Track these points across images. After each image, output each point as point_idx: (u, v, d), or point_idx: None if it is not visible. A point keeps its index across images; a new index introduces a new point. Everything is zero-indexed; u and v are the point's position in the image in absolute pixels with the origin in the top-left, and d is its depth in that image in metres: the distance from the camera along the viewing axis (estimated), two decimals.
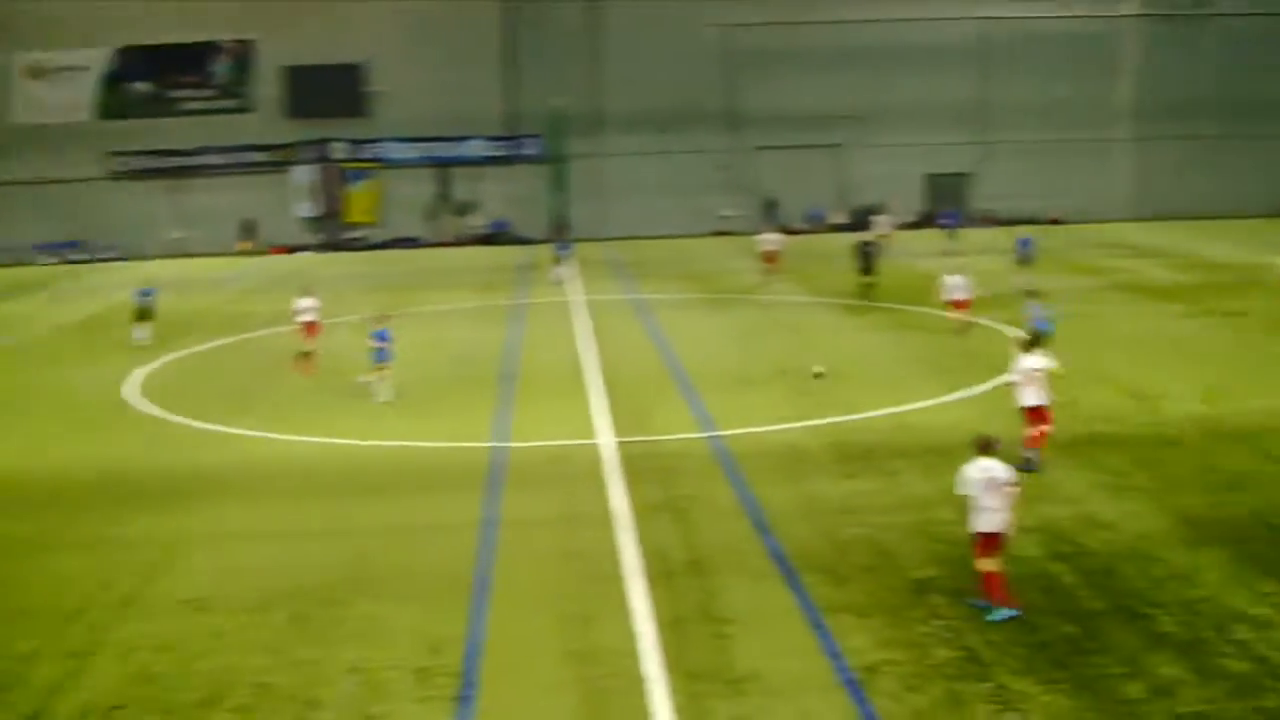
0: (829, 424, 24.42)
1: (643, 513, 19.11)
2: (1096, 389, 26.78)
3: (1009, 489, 15.04)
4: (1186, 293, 41.04)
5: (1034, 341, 22.00)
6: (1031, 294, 29.84)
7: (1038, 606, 15.18)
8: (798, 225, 66.57)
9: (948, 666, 13.56)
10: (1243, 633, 14.26)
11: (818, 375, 27.65)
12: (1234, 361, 29.47)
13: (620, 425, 24.64)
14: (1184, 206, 67.93)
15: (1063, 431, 23.28)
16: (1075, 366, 28.88)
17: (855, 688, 13.08)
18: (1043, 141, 66.93)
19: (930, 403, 26.00)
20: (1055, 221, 65.85)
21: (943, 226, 58.39)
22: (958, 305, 32.93)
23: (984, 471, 15.08)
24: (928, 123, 66.51)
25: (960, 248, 52.93)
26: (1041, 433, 21.12)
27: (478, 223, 65.80)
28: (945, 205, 67.30)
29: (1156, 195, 67.87)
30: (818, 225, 66.88)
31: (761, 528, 18.33)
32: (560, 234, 52.55)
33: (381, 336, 27.29)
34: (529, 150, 65.31)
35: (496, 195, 65.91)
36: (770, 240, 45.11)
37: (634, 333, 36.08)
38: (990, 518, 14.94)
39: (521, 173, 65.64)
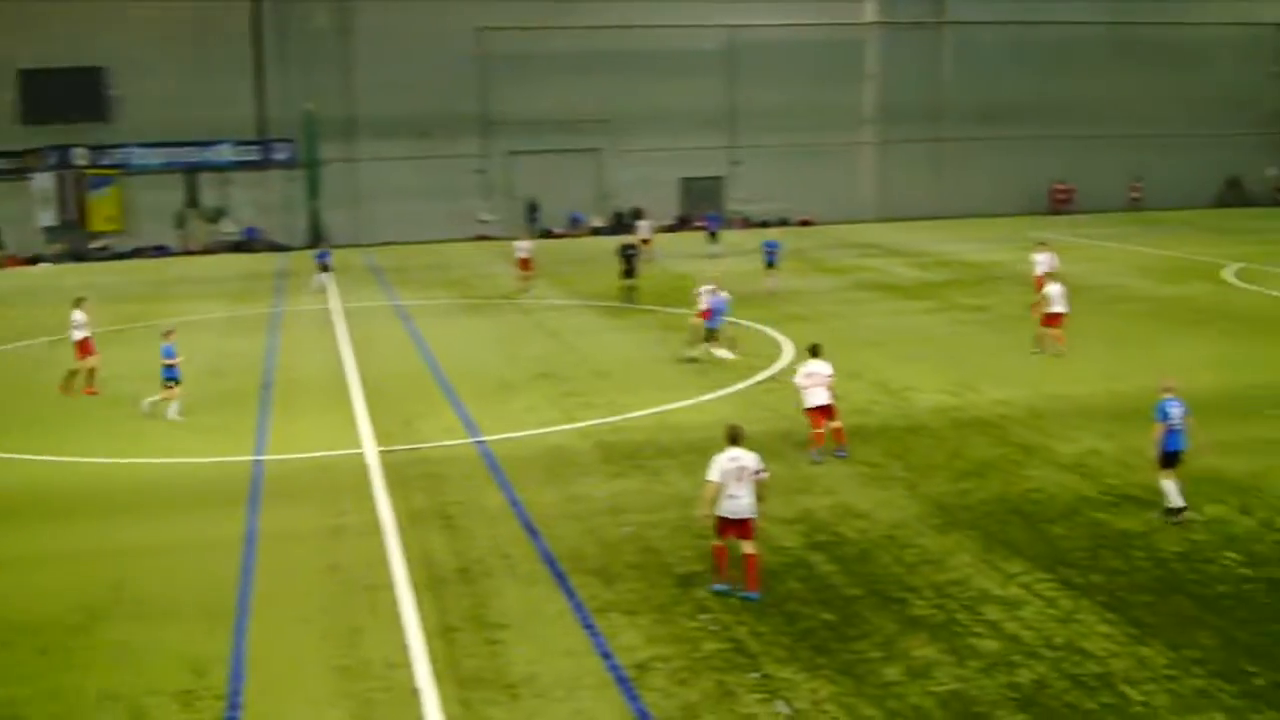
0: (593, 425, 24.62)
1: (410, 521, 18.91)
2: (849, 384, 27.66)
3: (757, 476, 15.63)
4: (931, 290, 42.84)
5: (816, 349, 22.94)
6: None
7: (799, 595, 15.66)
8: (558, 229, 66.88)
9: (716, 659, 13.85)
10: (993, 613, 15.00)
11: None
12: (977, 355, 30.92)
13: (384, 433, 24.31)
14: (927, 207, 70.90)
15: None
16: (830, 363, 29.90)
17: (627, 685, 13.24)
18: (792, 145, 68.81)
19: (691, 401, 26.47)
20: (806, 223, 67.83)
21: (704, 229, 59.14)
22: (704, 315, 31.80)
23: (733, 460, 15.69)
24: (682, 127, 67.55)
25: (722, 250, 53.95)
26: (835, 430, 22.08)
27: (229, 230, 63.78)
28: (701, 208, 68.55)
29: (901, 197, 70.54)
30: (578, 229, 67.31)
31: (531, 531, 18.37)
32: (320, 241, 51.29)
33: (167, 353, 25.95)
34: (280, 155, 63.63)
35: (248, 201, 63.96)
36: (523, 247, 44.99)
37: (395, 340, 35.62)
38: (736, 504, 15.54)
39: (273, 178, 63.96)
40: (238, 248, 63.44)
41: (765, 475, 16.00)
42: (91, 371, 29.03)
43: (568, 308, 40.63)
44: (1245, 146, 75.05)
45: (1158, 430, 18.43)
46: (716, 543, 15.89)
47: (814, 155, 69.28)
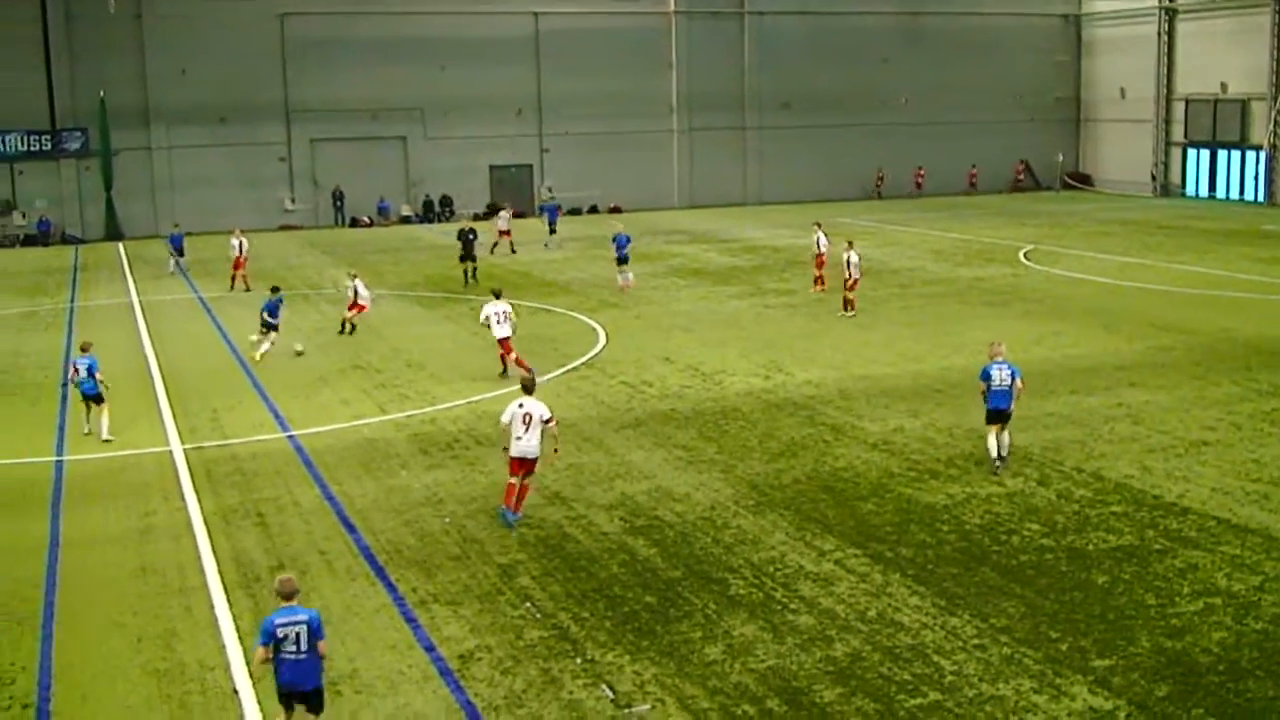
0: (408, 416, 24.38)
1: (221, 519, 18.45)
2: (663, 369, 28.02)
3: (546, 425, 17.72)
4: (740, 275, 43.54)
5: (499, 291, 27.65)
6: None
7: (620, 579, 15.79)
8: (365, 218, 65.90)
9: (540, 646, 13.88)
10: (808, 589, 15.36)
11: (299, 354, 30.23)
12: (786, 338, 31.52)
13: (190, 430, 23.65)
14: (734, 194, 72.11)
15: (635, 410, 24.31)
16: (644, 348, 30.24)
17: (451, 677, 13.17)
18: (600, 133, 69.13)
19: (505, 390, 26.34)
20: (615, 210, 68.23)
21: (543, 216, 57.53)
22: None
23: (520, 406, 17.68)
24: (491, 115, 67.22)
25: (559, 241, 53.70)
26: (516, 358, 26.72)
27: (20, 223, 61.10)
28: (508, 197, 68.37)
29: (708, 184, 71.54)
30: (387, 218, 66.42)
31: (347, 525, 18.10)
32: (175, 227, 49.62)
33: (91, 368, 23.33)
34: (73, 145, 61.16)
35: (40, 193, 61.41)
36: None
37: (199, 333, 34.66)
38: (520, 445, 17.62)
39: (66, 169, 61.50)
40: (30, 241, 60.87)
41: (554, 425, 17.96)
42: None
43: (378, 298, 40.04)
44: (1035, 133, 78.20)
45: (981, 389, 19.95)
46: (510, 480, 17.93)
47: (622, 143, 69.75)
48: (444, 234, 60.19)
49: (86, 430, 23.36)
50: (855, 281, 34.33)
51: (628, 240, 40.66)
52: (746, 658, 13.52)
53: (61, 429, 24.11)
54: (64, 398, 26.62)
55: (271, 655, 11.15)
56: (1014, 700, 12.45)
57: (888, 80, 73.67)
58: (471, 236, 42.46)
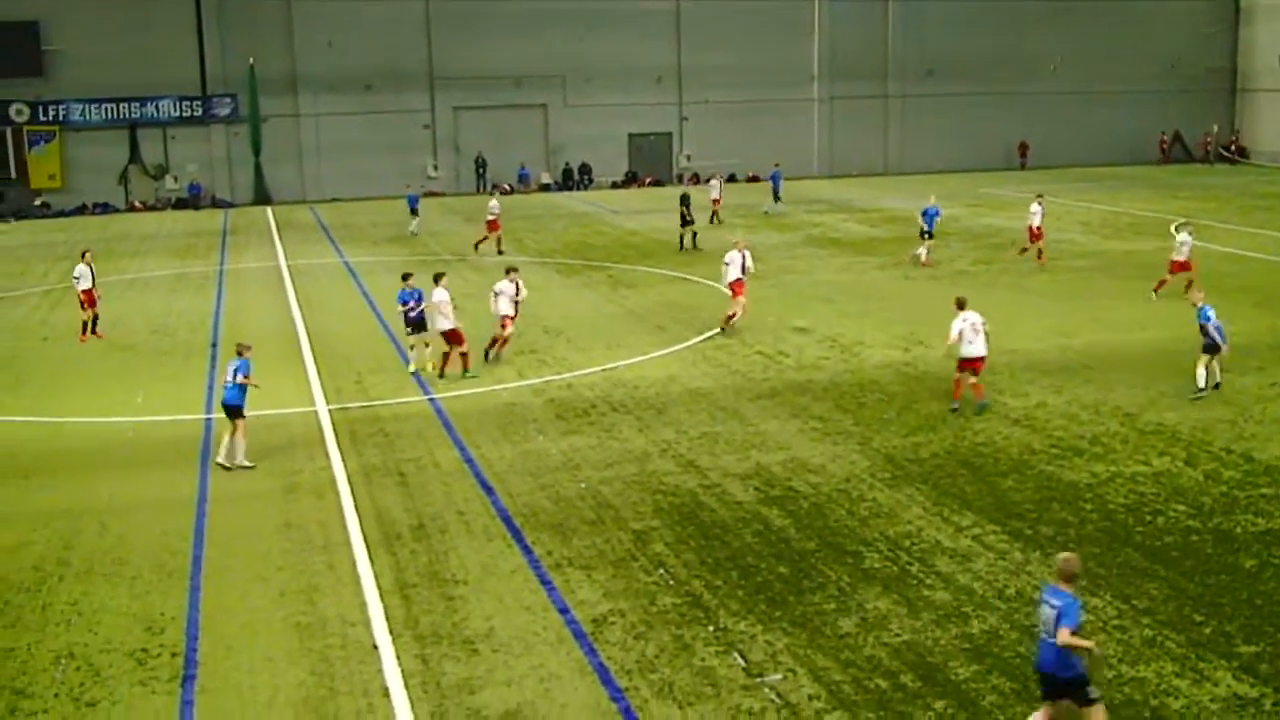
0: (546, 382, 24.61)
1: (364, 479, 18.87)
2: (800, 339, 27.84)
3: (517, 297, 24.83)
4: (880, 246, 43.01)
5: (439, 276, 25.66)
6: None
7: (754, 549, 15.78)
8: (506, 185, 66.55)
9: (672, 613, 13.95)
10: (945, 565, 15.19)
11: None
12: (925, 310, 31.04)
13: (335, 391, 24.20)
14: (875, 163, 71.25)
15: (771, 381, 24.22)
16: (782, 318, 30.07)
17: (584, 639, 13.32)
18: (741, 102, 68.73)
19: (643, 358, 26.51)
20: (754, 179, 67.85)
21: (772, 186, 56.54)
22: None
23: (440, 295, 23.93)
24: (630, 83, 67.31)
25: (783, 208, 53.66)
26: (502, 341, 26.24)
27: (172, 186, 62.96)
28: (648, 166, 68.52)
29: (849, 153, 70.71)
30: (527, 186, 67.01)
31: (486, 487, 18.38)
32: (407, 187, 51.16)
33: (239, 371, 19.82)
34: (223, 111, 62.76)
35: (191, 158, 63.17)
36: (494, 208, 44.10)
37: (344, 297, 35.39)
38: (443, 323, 23.86)
39: (216, 134, 63.13)
40: (181, 204, 62.71)
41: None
42: (95, 319, 30.36)
43: (519, 265, 40.39)
44: (1188, 103, 75.74)
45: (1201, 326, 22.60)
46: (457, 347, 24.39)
47: (762, 111, 69.27)
48: (583, 201, 60.62)
49: (219, 458, 19.72)
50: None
51: (937, 213, 39.00)
52: (880, 631, 13.43)
53: (210, 388, 24.81)
54: (213, 357, 27.43)
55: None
56: (1155, 683, 12.19)
57: (1033, 48, 71.85)
58: (688, 202, 43.04)
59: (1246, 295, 32.03)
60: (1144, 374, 24.20)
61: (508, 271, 26.91)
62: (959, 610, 13.90)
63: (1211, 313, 22.61)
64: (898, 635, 13.33)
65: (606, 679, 12.46)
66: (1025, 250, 37.77)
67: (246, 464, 19.49)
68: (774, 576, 14.95)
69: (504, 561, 15.57)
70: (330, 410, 22.84)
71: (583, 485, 18.37)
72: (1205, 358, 22.56)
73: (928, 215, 38.45)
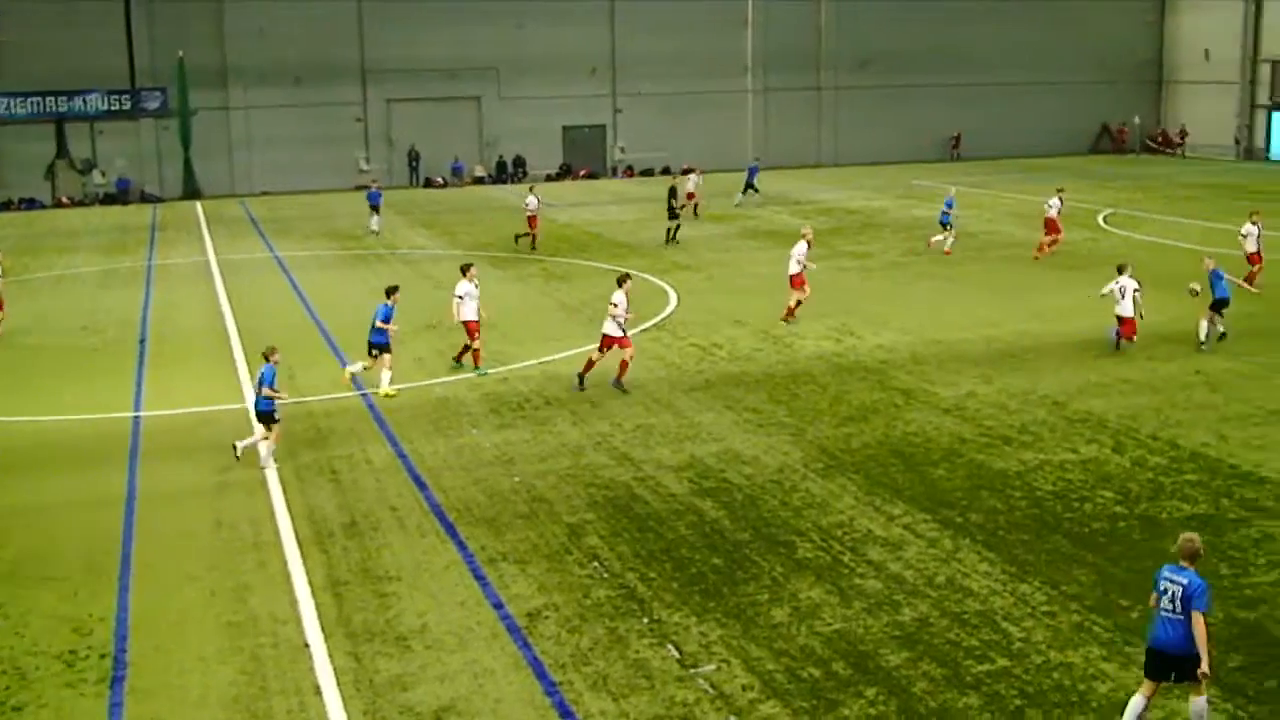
0: (481, 376, 24.50)
1: (295, 476, 18.71)
2: (734, 331, 27.95)
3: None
4: (815, 237, 43.08)
5: (465, 268, 25.04)
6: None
7: (687, 541, 15.83)
8: (439, 179, 66.17)
9: (607, 606, 13.96)
10: (877, 553, 15.31)
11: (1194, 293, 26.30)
12: (859, 301, 31.31)
13: None
14: (808, 155, 71.59)
15: (705, 373, 24.30)
16: (715, 311, 30.18)
17: (519, 634, 13.29)
18: (675, 94, 68.79)
19: (577, 351, 26.45)
20: (688, 171, 67.91)
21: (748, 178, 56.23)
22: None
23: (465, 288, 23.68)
24: (564, 75, 67.21)
25: (760, 199, 53.68)
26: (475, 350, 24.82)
27: (100, 181, 62.05)
28: (583, 158, 68.47)
29: (783, 144, 70.93)
30: (460, 179, 66.70)
31: (419, 483, 18.29)
32: (374, 184, 49.95)
33: (264, 379, 19.16)
34: (152, 104, 61.91)
35: (120, 152, 62.29)
36: (531, 204, 43.05)
37: (275, 292, 35.06)
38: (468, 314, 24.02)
39: (145, 128, 62.31)
40: (110, 199, 61.84)
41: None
42: None
43: (451, 258, 40.27)
44: (1117, 94, 76.80)
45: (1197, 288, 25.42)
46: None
47: (695, 103, 69.39)
48: (517, 194, 60.48)
49: (238, 456, 19.18)
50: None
51: (951, 203, 39.72)
52: (813, 621, 13.52)
53: (139, 385, 24.51)
54: (141, 354, 27.09)
55: (1155, 604, 11.10)
56: (1083, 668, 12.36)
57: (967, 41, 72.56)
58: (675, 195, 43.10)
59: (1175, 284, 32.47)
60: (1072, 362, 24.54)
61: (465, 270, 25.16)
62: (890, 598, 14.02)
63: (1223, 273, 25.80)
64: (830, 624, 13.43)
65: (541, 673, 12.45)
66: (1044, 249, 37.73)
67: (272, 464, 18.97)
68: (708, 568, 15.00)
69: (437, 557, 15.51)
70: None
71: (517, 479, 18.34)
72: (1210, 314, 25.41)
73: (949, 203, 39.44)
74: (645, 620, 13.58)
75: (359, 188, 63.28)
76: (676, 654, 12.80)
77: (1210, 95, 73.88)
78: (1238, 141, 72.39)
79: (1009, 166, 68.49)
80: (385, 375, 23.08)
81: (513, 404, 22.47)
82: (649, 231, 45.14)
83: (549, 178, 67.45)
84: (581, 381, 23.22)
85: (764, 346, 26.55)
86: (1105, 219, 46.02)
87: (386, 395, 22.93)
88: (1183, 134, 74.51)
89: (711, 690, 12.06)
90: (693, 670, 12.46)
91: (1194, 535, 11.25)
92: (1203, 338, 25.35)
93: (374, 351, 23.06)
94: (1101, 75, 75.90)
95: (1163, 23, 77.43)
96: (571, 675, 12.39)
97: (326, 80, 63.80)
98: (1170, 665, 10.92)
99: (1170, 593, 10.87)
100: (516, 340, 27.65)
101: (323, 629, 13.50)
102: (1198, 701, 10.89)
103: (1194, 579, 10.80)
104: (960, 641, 12.94)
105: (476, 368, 24.60)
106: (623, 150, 69.44)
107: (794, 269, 29.15)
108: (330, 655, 12.88)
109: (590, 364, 23.36)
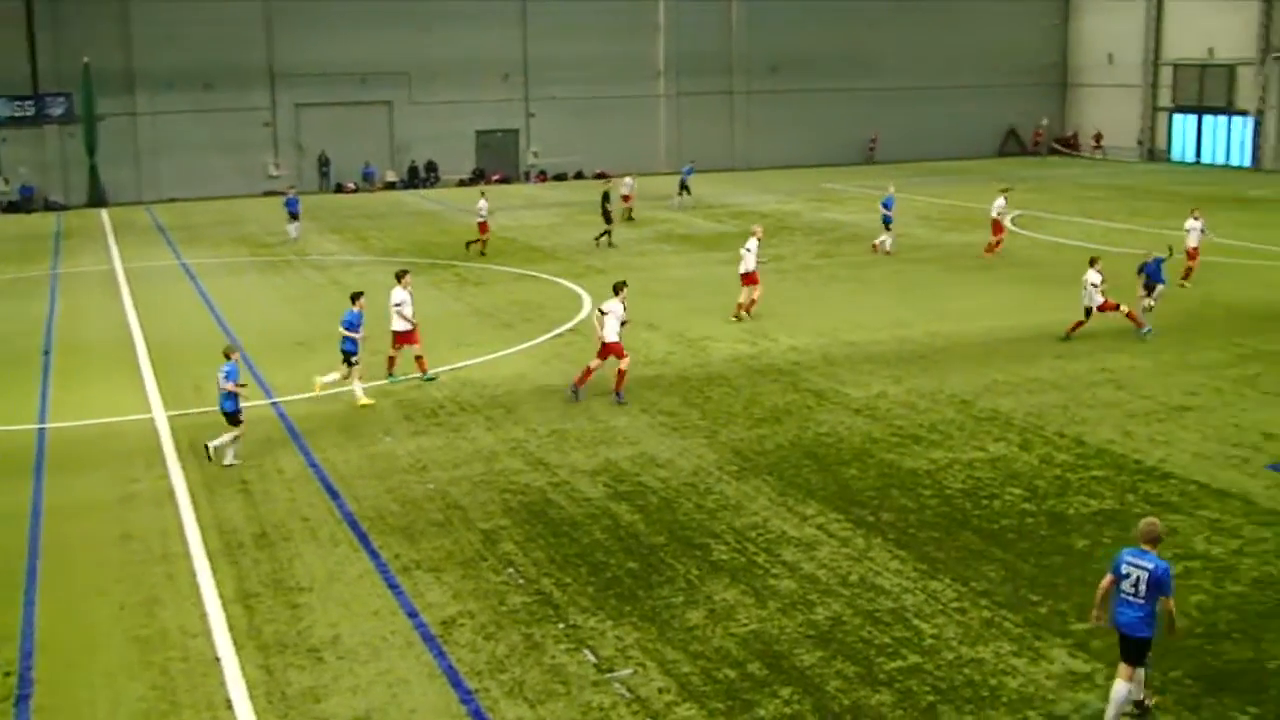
0: (395, 382, 24.33)
1: (204, 487, 18.45)
2: (648, 335, 28.00)
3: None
4: (727, 241, 43.39)
5: (400, 274, 24.71)
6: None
7: (603, 545, 15.83)
8: (350, 184, 65.58)
9: (522, 612, 13.93)
10: (791, 554, 15.43)
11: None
12: (772, 303, 31.46)
13: (173, 398, 23.60)
14: (722, 159, 71.89)
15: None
16: (629, 314, 30.16)
17: (433, 642, 13.21)
18: (587, 98, 68.79)
19: (492, 356, 26.41)
20: (602, 175, 68.03)
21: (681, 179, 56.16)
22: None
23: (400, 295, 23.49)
24: (477, 79, 66.87)
25: (691, 201, 53.68)
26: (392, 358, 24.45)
27: (3, 189, 60.70)
28: (495, 163, 68.21)
29: (695, 148, 71.08)
30: (372, 184, 66.15)
31: (331, 492, 18.11)
32: (291, 189, 48.89)
33: (230, 375, 19.33)
34: (56, 110, 60.65)
35: (23, 159, 60.99)
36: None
37: (182, 300, 34.53)
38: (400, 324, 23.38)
39: (50, 135, 61.05)
40: (13, 208, 60.56)
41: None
42: None
43: (363, 264, 39.97)
44: (1024, 98, 78.08)
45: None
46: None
47: (608, 107, 69.41)
48: (429, 199, 60.09)
49: (210, 456, 19.33)
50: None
51: (890, 202, 40.30)
52: (728, 622, 13.58)
53: (44, 396, 24.04)
54: (45, 365, 26.57)
55: (1112, 588, 11.24)
56: (993, 663, 12.54)
57: (877, 45, 73.32)
58: (608, 202, 43.12)
59: (1076, 283, 33.07)
60: (979, 362, 24.90)
61: (400, 277, 24.70)
62: (804, 598, 14.14)
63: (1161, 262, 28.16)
64: (745, 625, 13.50)
65: (456, 681, 12.39)
66: (992, 248, 38.40)
67: (234, 462, 19.26)
68: (623, 572, 15.02)
69: (350, 567, 15.37)
70: (169, 417, 22.28)
71: (430, 486, 18.23)
72: (1143, 292, 27.76)
73: (887, 204, 39.88)
74: (561, 626, 13.57)
75: (269, 193, 62.65)
76: (593, 659, 12.80)
77: (1114, 98, 75.33)
78: (1141, 143, 73.85)
79: (920, 170, 69.32)
80: (357, 385, 22.90)
81: (426, 410, 22.34)
82: (563, 236, 45.12)
83: (461, 183, 67.11)
84: (576, 392, 22.78)
85: (678, 350, 26.64)
86: (1013, 220, 46.70)
87: (362, 406, 22.63)
88: (1098, 137, 75.72)
89: (628, 694, 12.08)
90: (609, 675, 12.46)
91: (1154, 519, 11.54)
92: (1144, 324, 26.94)
93: (350, 360, 22.85)
94: (1008, 79, 77.08)
95: (1067, 27, 78.81)
96: (487, 683, 12.34)
97: (235, 85, 62.93)
98: (1126, 645, 11.20)
99: (1134, 577, 11.06)
100: (430, 346, 27.38)
101: (234, 642, 13.32)
102: (1125, 686, 11.14)
103: (1159, 563, 11.04)
104: (873, 639, 13.08)
105: (390, 375, 24.40)
106: (536, 155, 69.28)
107: (749, 266, 29.59)
108: (242, 668, 12.72)
109: (588, 372, 22.96)
